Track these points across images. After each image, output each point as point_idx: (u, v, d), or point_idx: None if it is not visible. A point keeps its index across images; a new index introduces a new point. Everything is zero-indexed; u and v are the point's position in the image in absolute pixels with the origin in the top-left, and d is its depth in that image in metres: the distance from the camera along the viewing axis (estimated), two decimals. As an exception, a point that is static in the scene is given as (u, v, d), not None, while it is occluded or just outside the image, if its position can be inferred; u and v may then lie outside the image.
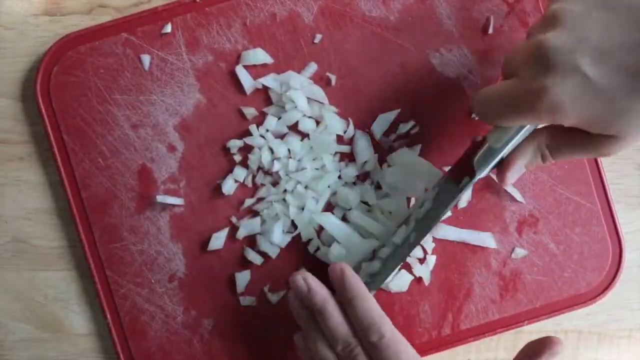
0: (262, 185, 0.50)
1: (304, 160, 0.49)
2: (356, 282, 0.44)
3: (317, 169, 0.49)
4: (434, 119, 0.50)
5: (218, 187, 0.50)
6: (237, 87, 0.50)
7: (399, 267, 0.48)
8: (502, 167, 0.45)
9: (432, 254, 0.51)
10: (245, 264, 0.50)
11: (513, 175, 0.45)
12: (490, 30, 0.50)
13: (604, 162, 0.51)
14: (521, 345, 0.52)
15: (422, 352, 0.51)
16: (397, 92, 0.50)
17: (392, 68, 0.50)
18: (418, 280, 0.51)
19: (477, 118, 0.45)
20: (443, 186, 0.47)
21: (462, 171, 0.46)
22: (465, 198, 0.50)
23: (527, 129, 0.43)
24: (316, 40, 0.50)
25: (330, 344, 0.44)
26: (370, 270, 0.47)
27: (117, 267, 0.50)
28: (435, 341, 0.51)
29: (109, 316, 0.50)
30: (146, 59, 0.50)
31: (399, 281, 0.50)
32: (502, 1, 0.50)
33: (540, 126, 0.44)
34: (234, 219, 0.50)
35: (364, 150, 0.49)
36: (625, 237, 0.51)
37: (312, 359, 0.46)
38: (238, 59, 0.50)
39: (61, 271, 0.51)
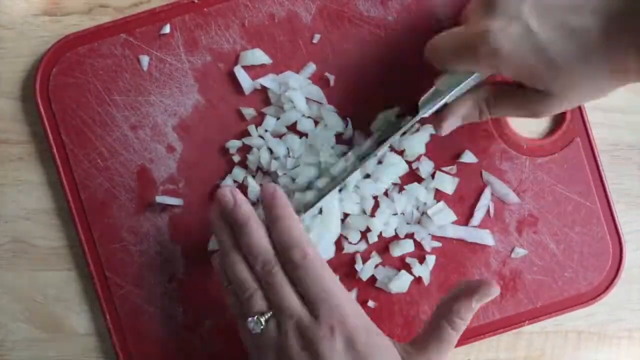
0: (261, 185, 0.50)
1: (302, 158, 0.49)
2: (285, 202, 0.43)
3: (313, 164, 0.49)
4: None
5: (217, 188, 0.50)
6: (236, 88, 0.50)
7: (330, 194, 0.47)
8: (440, 113, 0.46)
9: (432, 253, 0.50)
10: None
11: (449, 123, 0.46)
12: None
13: (604, 162, 0.51)
14: (521, 345, 0.52)
15: (422, 352, 0.51)
16: (396, 91, 0.50)
17: (390, 68, 0.50)
18: (418, 280, 0.51)
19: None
20: (387, 127, 0.48)
21: (407, 112, 0.47)
22: (426, 169, 0.50)
23: (473, 78, 0.44)
24: (314, 41, 0.50)
25: (250, 263, 0.43)
26: (303, 200, 0.47)
27: (117, 268, 0.50)
28: (435, 341, 0.51)
29: (108, 317, 0.50)
30: (145, 59, 0.50)
31: (398, 282, 0.50)
32: None
33: (483, 80, 0.45)
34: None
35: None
36: (626, 237, 0.51)
37: (229, 282, 0.44)
38: (237, 60, 0.50)
39: (61, 271, 0.52)
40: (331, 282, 0.42)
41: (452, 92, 0.45)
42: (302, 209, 0.47)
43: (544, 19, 0.39)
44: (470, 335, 0.51)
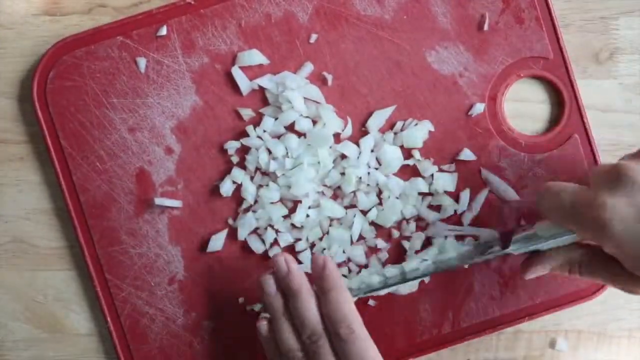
0: (261, 186, 0.50)
1: (301, 158, 0.49)
2: (336, 275, 0.44)
3: (312, 164, 0.49)
4: (431, 115, 0.50)
5: (216, 189, 0.50)
6: (234, 88, 0.50)
7: (385, 290, 0.48)
8: (530, 259, 0.46)
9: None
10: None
11: (536, 271, 0.46)
12: (486, 27, 0.50)
13: (604, 162, 0.51)
14: (521, 345, 0.52)
15: (423, 350, 0.51)
16: (393, 90, 0.50)
17: (388, 66, 0.50)
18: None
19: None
20: (475, 243, 0.49)
21: (497, 239, 0.48)
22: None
23: (574, 237, 0.44)
24: (312, 40, 0.50)
25: (298, 332, 0.44)
26: (366, 280, 0.47)
27: (117, 270, 0.50)
28: (436, 339, 0.51)
29: (109, 319, 0.50)
30: (142, 62, 0.50)
31: (409, 283, 0.50)
32: (497, -2, 0.50)
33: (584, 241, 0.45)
34: (230, 221, 0.50)
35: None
36: None
37: (274, 349, 0.45)
38: (234, 61, 0.50)
39: (61, 271, 0.51)
40: (374, 358, 0.43)
41: (549, 243, 0.45)
42: (361, 285, 0.47)
43: None
44: (471, 332, 0.51)
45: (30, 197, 0.51)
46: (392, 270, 0.48)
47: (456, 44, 0.50)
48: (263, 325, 0.46)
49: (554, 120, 0.52)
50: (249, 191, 0.49)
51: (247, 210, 0.50)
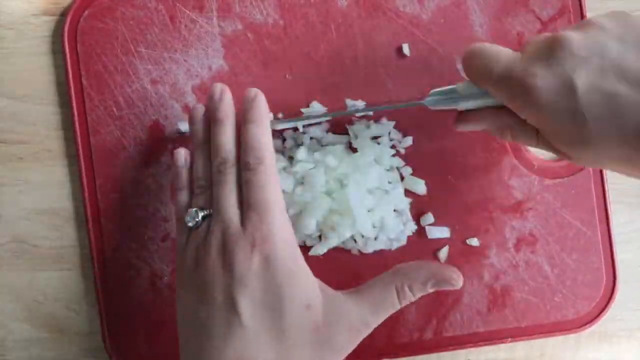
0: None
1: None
2: (263, 109, 0.43)
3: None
4: (451, 122, 0.50)
5: (226, 155, 0.50)
6: (261, 60, 0.50)
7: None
8: (463, 117, 0.45)
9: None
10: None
11: (468, 125, 0.45)
12: (520, 45, 0.50)
13: (614, 200, 0.51)
14: (521, 345, 0.52)
15: (400, 352, 0.51)
16: (419, 89, 0.50)
17: (417, 65, 0.50)
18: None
19: (461, 68, 0.45)
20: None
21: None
22: None
23: (491, 101, 0.43)
24: (346, 26, 0.50)
25: (211, 162, 0.43)
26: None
27: (114, 217, 0.50)
28: (416, 344, 0.51)
29: (96, 266, 0.50)
30: (176, 17, 0.50)
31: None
32: (536, 18, 0.50)
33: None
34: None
35: None
36: (626, 237, 0.51)
37: (183, 180, 0.45)
38: (267, 32, 0.50)
39: (61, 271, 0.51)
40: (274, 197, 0.41)
41: (468, 103, 0.44)
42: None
43: (593, 85, 0.36)
44: (452, 343, 0.51)
45: (30, 197, 0.51)
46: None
47: (488, 56, 0.50)
48: (180, 152, 0.45)
49: (571, 149, 0.52)
50: None
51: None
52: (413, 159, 0.50)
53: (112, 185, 0.50)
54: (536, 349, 0.52)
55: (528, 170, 0.51)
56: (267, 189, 0.41)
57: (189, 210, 0.42)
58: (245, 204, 0.41)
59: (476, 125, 0.45)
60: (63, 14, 0.51)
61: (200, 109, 0.45)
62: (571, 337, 0.52)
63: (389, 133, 0.50)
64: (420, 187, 0.50)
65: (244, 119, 0.43)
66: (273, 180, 0.42)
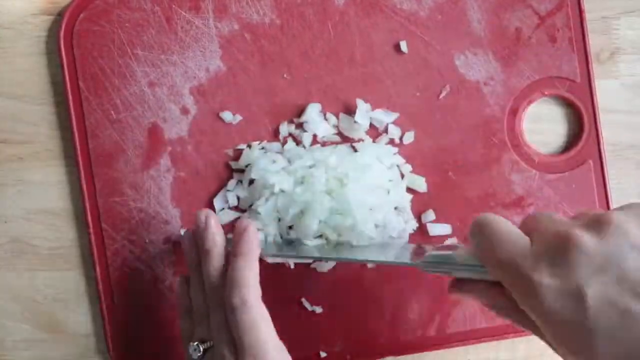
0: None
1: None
2: (252, 242, 0.43)
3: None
4: (451, 118, 0.50)
5: (225, 156, 0.50)
6: (259, 60, 0.50)
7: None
8: (458, 286, 0.41)
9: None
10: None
11: (462, 296, 0.42)
12: (518, 40, 0.50)
13: (613, 187, 0.51)
14: (521, 345, 0.52)
15: (404, 350, 0.51)
16: (417, 86, 0.50)
17: (415, 62, 0.50)
18: (410, 278, 0.50)
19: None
20: (397, 247, 0.47)
21: (415, 251, 0.45)
22: None
23: (487, 275, 0.39)
24: (343, 25, 0.50)
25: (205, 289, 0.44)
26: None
27: (114, 221, 0.50)
28: (419, 341, 0.51)
29: (98, 270, 0.50)
30: (173, 19, 0.49)
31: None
32: (534, 13, 0.50)
33: None
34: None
35: None
36: None
37: (185, 305, 0.46)
38: (264, 32, 0.50)
39: (61, 271, 0.51)
40: (265, 336, 0.41)
41: (462, 272, 0.40)
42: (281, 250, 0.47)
43: (607, 301, 0.32)
44: (455, 340, 0.51)
45: (30, 197, 0.51)
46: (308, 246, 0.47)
47: (486, 52, 0.50)
48: (180, 279, 0.47)
49: (569, 143, 0.51)
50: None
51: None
52: (413, 156, 0.50)
53: (111, 188, 0.50)
54: (536, 349, 0.52)
55: (528, 165, 0.51)
56: (256, 329, 0.40)
57: (190, 343, 0.43)
58: (237, 345, 0.41)
59: (472, 296, 0.41)
60: (60, 15, 0.50)
61: (189, 235, 0.46)
62: None
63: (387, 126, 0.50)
64: (420, 184, 0.50)
65: (233, 251, 0.43)
66: (260, 317, 0.41)
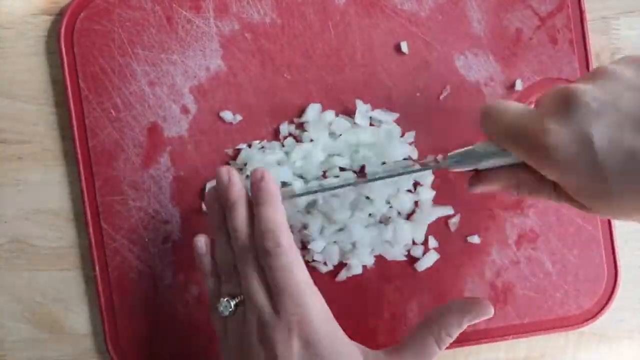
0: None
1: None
2: (272, 188, 0.42)
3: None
4: (451, 119, 0.50)
5: (225, 156, 0.50)
6: (259, 60, 0.50)
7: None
8: (480, 174, 0.43)
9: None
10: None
11: (483, 187, 0.43)
12: (519, 41, 0.50)
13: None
14: (521, 345, 0.52)
15: (404, 350, 0.51)
16: (417, 87, 0.50)
17: (415, 63, 0.50)
18: (410, 279, 0.50)
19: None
20: (400, 163, 0.48)
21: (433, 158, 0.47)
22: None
23: (512, 158, 0.41)
24: (344, 25, 0.50)
25: (232, 245, 0.43)
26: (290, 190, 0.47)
27: (113, 220, 0.50)
28: (418, 342, 0.51)
29: (97, 269, 0.50)
30: (173, 18, 0.49)
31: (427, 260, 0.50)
32: (534, 14, 0.50)
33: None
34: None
35: None
36: (625, 236, 0.51)
37: (209, 266, 0.45)
38: (264, 32, 0.50)
39: (61, 271, 0.51)
40: (300, 277, 0.41)
41: (488, 162, 0.42)
42: (287, 196, 0.46)
43: (612, 140, 0.34)
44: (453, 341, 0.50)
45: (30, 197, 0.51)
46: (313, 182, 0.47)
47: (486, 53, 0.50)
48: (200, 240, 0.45)
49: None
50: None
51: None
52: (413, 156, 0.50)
53: (111, 188, 0.50)
54: (537, 349, 0.52)
55: (528, 166, 0.51)
56: (291, 270, 0.40)
57: (220, 300, 0.42)
58: (273, 288, 0.41)
59: (492, 184, 0.43)
60: (61, 14, 0.50)
61: (211, 194, 0.45)
62: (572, 338, 0.52)
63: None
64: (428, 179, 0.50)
65: (255, 202, 0.43)
66: (295, 259, 0.41)
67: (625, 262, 0.51)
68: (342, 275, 0.50)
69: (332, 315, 0.42)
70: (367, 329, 0.50)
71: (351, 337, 0.44)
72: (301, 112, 0.50)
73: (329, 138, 0.49)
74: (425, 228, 0.50)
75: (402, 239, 0.49)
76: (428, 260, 0.50)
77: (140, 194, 0.50)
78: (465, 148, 0.42)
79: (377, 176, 0.46)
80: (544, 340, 0.52)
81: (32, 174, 0.51)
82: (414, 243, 0.50)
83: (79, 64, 0.49)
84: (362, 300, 0.50)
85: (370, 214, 0.49)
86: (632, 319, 0.53)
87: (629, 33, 0.52)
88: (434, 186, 0.50)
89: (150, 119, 0.50)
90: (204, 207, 0.49)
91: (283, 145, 0.50)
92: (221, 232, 0.44)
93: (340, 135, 0.49)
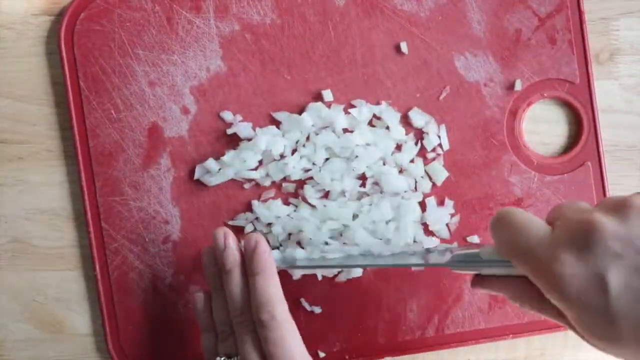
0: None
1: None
2: (266, 259, 0.43)
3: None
4: (449, 119, 0.50)
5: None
6: (259, 60, 0.50)
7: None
8: (482, 281, 0.42)
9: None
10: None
11: (485, 290, 0.42)
12: (518, 42, 0.50)
13: (605, 162, 0.51)
14: (521, 345, 0.52)
15: (404, 350, 0.51)
16: (417, 87, 0.50)
17: (415, 63, 0.50)
18: (409, 279, 0.51)
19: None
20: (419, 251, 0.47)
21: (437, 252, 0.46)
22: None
23: (515, 270, 0.38)
24: (344, 26, 0.50)
25: (229, 310, 0.44)
26: (292, 255, 0.47)
27: (114, 220, 0.50)
28: (418, 341, 0.51)
29: (98, 269, 0.50)
30: (174, 18, 0.50)
31: None
32: (534, 15, 0.50)
33: None
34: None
35: None
36: None
37: (206, 322, 0.46)
38: (264, 32, 0.50)
39: (61, 271, 0.51)
40: (294, 349, 0.42)
41: (490, 269, 0.41)
42: (288, 263, 0.47)
43: (630, 285, 0.32)
44: (454, 340, 0.51)
45: (30, 197, 0.51)
46: (315, 252, 0.47)
47: (486, 53, 0.50)
48: (199, 296, 0.47)
49: (569, 145, 0.52)
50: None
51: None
52: (413, 157, 0.50)
53: (111, 188, 0.50)
54: (537, 349, 0.52)
55: (527, 167, 0.51)
56: (285, 343, 0.42)
57: (217, 358, 0.44)
58: (267, 357, 0.42)
59: (495, 291, 0.42)
60: (61, 14, 0.50)
61: (209, 255, 0.46)
62: (572, 338, 0.52)
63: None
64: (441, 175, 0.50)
65: (249, 271, 0.44)
66: (290, 331, 0.42)
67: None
68: (342, 277, 0.50)
69: None
70: (367, 330, 0.51)
71: (351, 338, 0.45)
72: (301, 112, 0.50)
73: (330, 137, 0.49)
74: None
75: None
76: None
77: (141, 194, 0.50)
78: (471, 250, 0.41)
79: (378, 261, 0.46)
80: (544, 340, 0.52)
81: (33, 174, 0.51)
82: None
83: (79, 64, 0.49)
84: (362, 301, 0.51)
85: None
86: (631, 319, 0.53)
87: (628, 34, 0.52)
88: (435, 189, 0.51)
89: (151, 119, 0.50)
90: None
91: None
92: (219, 293, 0.45)
93: (340, 137, 0.49)
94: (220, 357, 0.44)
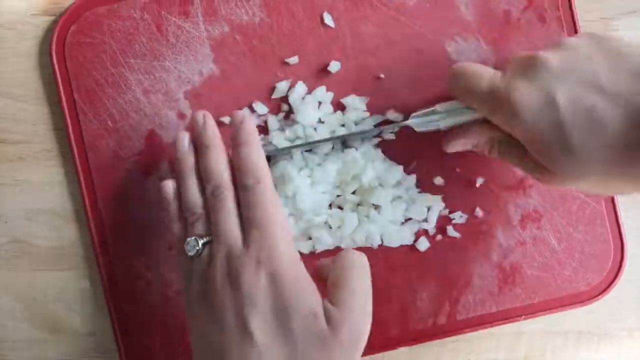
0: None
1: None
2: (251, 129, 0.44)
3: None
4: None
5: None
6: (251, 61, 0.50)
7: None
8: (452, 132, 0.47)
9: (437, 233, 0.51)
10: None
11: (457, 144, 0.47)
12: (507, 23, 0.50)
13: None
14: (521, 345, 0.52)
15: (416, 339, 0.51)
16: (411, 77, 0.50)
17: (407, 53, 0.50)
18: (416, 268, 0.50)
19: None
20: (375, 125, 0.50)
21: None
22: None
23: (475, 115, 0.45)
24: (334, 20, 0.50)
25: (204, 188, 0.43)
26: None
27: (119, 231, 0.50)
28: (430, 329, 0.51)
29: (106, 279, 0.50)
30: (163, 25, 0.50)
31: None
32: (521, -5, 0.51)
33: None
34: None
35: None
36: (626, 236, 0.51)
37: (175, 212, 0.44)
38: (254, 32, 0.50)
39: (61, 271, 0.51)
40: (276, 216, 0.41)
41: (447, 121, 0.46)
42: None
43: (573, 101, 0.39)
44: (466, 326, 0.51)
45: (30, 197, 0.51)
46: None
47: (476, 37, 0.50)
48: (168, 184, 0.45)
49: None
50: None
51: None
52: (411, 141, 0.50)
53: (113, 198, 0.50)
54: (537, 349, 0.52)
55: (527, 146, 0.51)
56: (266, 205, 0.41)
57: (187, 240, 0.42)
58: (245, 223, 0.41)
59: (463, 141, 0.47)
60: (52, 26, 0.50)
61: (185, 137, 0.45)
62: (572, 338, 0.53)
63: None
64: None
65: (235, 142, 0.44)
66: (272, 197, 0.42)
67: (626, 261, 0.51)
68: None
69: (299, 258, 0.41)
70: (379, 322, 0.50)
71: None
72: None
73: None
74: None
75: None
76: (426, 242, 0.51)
77: (144, 202, 0.50)
78: (427, 109, 0.47)
79: (353, 131, 0.49)
80: (544, 340, 0.52)
81: (32, 174, 0.51)
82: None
83: (72, 77, 0.50)
84: (372, 294, 0.50)
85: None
86: (632, 318, 0.53)
87: (628, 34, 0.52)
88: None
89: (148, 127, 0.50)
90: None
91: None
92: (192, 176, 0.44)
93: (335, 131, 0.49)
94: (191, 237, 0.42)
